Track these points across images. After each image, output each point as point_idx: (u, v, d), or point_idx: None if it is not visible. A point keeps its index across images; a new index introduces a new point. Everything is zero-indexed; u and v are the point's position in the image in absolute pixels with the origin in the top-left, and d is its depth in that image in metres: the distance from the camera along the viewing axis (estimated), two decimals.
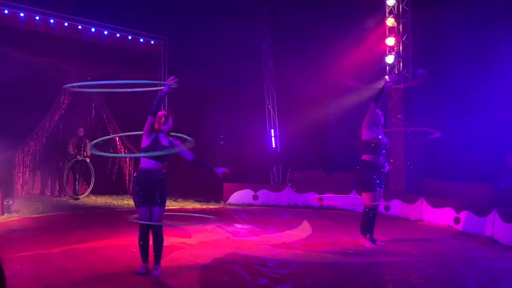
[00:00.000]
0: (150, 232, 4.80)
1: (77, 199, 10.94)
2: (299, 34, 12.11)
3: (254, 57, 13.31)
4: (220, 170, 5.04)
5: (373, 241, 6.23)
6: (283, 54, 12.84)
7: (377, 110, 6.06)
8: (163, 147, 4.78)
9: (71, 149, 11.19)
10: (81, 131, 11.37)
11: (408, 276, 4.78)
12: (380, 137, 6.11)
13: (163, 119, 4.83)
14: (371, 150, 6.05)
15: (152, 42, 13.19)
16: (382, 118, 6.21)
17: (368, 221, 6.20)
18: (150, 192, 4.74)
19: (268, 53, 13.33)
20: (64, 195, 11.40)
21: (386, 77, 10.60)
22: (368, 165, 6.08)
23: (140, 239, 4.79)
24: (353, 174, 9.60)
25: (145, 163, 4.77)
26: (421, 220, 8.57)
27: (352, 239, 6.67)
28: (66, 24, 11.40)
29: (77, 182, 11.22)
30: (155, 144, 4.77)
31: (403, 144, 10.28)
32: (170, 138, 4.93)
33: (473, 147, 8.58)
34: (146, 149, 4.77)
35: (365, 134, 6.05)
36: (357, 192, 10.00)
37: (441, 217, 8.13)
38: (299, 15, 11.81)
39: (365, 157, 6.11)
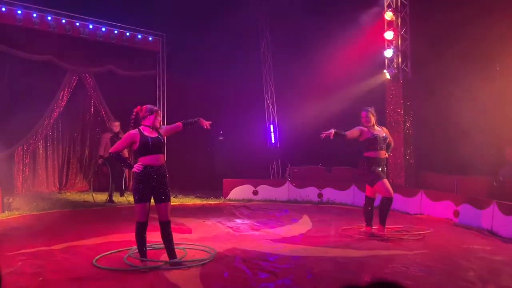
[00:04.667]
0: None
1: (113, 203, 9.82)
2: (297, 29, 12.07)
3: (253, 52, 13.30)
4: (206, 122, 5.42)
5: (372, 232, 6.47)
6: (282, 49, 12.81)
7: (362, 112, 6.46)
8: (162, 136, 4.96)
9: (102, 149, 9.92)
10: (116, 126, 9.99)
11: (408, 269, 4.80)
12: (376, 134, 6.41)
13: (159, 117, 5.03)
14: (370, 147, 6.41)
15: (150, 38, 13.16)
16: (371, 118, 6.46)
17: (386, 211, 6.32)
18: (154, 188, 4.80)
19: (266, 48, 13.32)
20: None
21: (385, 71, 10.59)
22: (370, 160, 6.40)
23: (140, 234, 4.82)
24: (354, 170, 9.70)
25: (148, 159, 4.79)
26: (421, 214, 8.59)
27: (351, 233, 6.69)
28: (63, 21, 11.37)
29: (113, 185, 9.96)
30: (157, 139, 4.86)
31: (403, 138, 10.29)
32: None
33: (473, 140, 8.57)
34: (151, 145, 4.80)
35: (362, 137, 6.47)
36: (358, 187, 10.03)
37: (441, 210, 8.15)
38: (298, 10, 11.76)
39: (366, 154, 6.46)
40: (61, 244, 5.68)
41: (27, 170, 11.18)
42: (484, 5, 8.63)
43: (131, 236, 6.03)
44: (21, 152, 11.06)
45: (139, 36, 12.84)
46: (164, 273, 4.58)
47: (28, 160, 11.20)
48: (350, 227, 7.08)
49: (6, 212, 8.17)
